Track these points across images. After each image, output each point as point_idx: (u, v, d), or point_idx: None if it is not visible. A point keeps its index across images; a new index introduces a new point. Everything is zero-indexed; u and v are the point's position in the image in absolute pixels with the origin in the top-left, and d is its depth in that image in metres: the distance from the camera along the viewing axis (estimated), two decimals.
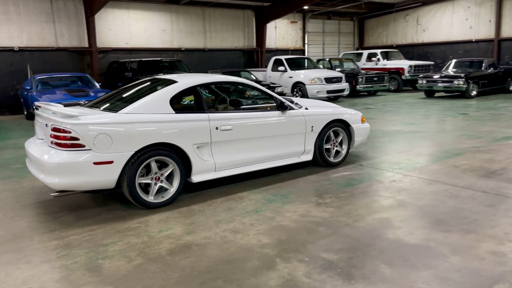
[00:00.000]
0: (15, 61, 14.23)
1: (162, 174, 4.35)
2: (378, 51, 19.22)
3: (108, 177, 4.00)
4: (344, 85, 15.41)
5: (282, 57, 16.23)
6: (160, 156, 4.27)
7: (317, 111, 5.56)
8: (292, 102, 5.88)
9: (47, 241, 3.58)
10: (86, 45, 15.30)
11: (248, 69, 16.39)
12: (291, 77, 15.61)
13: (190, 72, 13.45)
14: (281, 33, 21.18)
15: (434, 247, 3.26)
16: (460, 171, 5.36)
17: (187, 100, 10.12)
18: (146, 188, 4.32)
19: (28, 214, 4.26)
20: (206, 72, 15.32)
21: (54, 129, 3.92)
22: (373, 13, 23.35)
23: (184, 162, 4.47)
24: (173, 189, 4.42)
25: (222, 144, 4.70)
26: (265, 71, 16.82)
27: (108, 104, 4.53)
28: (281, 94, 14.12)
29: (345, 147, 5.94)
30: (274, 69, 16.17)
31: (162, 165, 4.38)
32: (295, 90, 15.37)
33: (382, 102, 14.31)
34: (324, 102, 6.76)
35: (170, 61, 13.82)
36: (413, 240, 3.41)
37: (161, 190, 4.42)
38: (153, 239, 3.57)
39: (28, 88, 11.16)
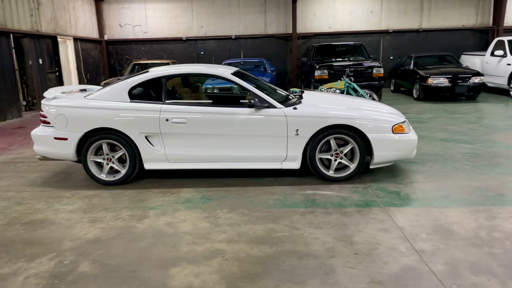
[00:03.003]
0: (232, 47, 16.83)
1: (113, 156, 4.83)
2: None
3: (65, 151, 4.82)
4: None
5: (505, 38, 12.66)
6: (109, 139, 4.75)
7: (307, 112, 4.61)
8: (297, 97, 5.08)
9: None
10: (291, 31, 16.37)
11: (451, 54, 13.65)
12: (509, 65, 12.07)
13: (369, 58, 12.53)
14: None
15: None
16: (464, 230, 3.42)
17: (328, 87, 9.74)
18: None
19: (43, 168, 5.61)
20: (403, 57, 13.78)
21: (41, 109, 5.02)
22: None
23: (137, 148, 4.78)
24: (123, 171, 4.84)
25: (174, 136, 4.71)
26: (484, 55, 13.59)
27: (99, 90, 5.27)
28: (481, 85, 11.28)
29: (357, 161, 4.68)
30: (494, 53, 12.84)
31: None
32: None
33: None
34: (367, 101, 5.34)
35: (349, 45, 13.13)
36: (175, 284, 2.74)
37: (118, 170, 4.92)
38: (48, 209, 4.19)
39: None
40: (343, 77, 10.22)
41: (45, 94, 4.94)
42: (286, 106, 4.70)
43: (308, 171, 4.99)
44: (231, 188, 4.64)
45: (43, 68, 12.61)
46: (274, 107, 4.66)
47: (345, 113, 4.60)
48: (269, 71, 12.74)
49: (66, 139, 4.77)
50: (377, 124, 4.59)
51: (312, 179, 4.83)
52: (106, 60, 16.92)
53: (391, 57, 16.43)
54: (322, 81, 11.42)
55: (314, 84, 11.58)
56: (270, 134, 4.65)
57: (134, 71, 13.43)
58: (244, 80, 5.22)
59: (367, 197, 4.20)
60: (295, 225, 3.58)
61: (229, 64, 13.18)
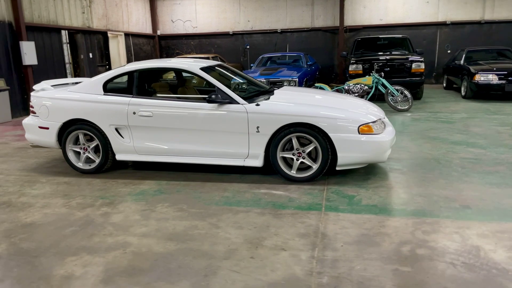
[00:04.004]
0: (278, 41, 16.68)
1: (89, 146, 5.08)
2: None
3: (48, 139, 5.16)
4: None
5: None
6: (84, 130, 5.00)
7: (268, 109, 4.45)
8: (266, 92, 4.95)
9: None
10: (338, 24, 15.82)
11: (510, 48, 12.25)
12: None
13: (415, 51, 11.74)
14: None
15: None
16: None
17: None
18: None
19: (45, 155, 6.04)
20: (456, 51, 12.75)
21: None
22: None
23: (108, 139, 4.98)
24: (97, 160, 5.07)
25: (142, 129, 4.82)
26: None
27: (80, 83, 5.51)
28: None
29: (319, 161, 4.44)
30: None
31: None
32: None
33: None
34: (344, 98, 5.02)
35: (393, 38, 12.34)
36: (59, 272, 2.83)
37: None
38: (17, 192, 4.53)
39: (251, 65, 13.20)
40: (372, 73, 9.69)
41: (35, 86, 5.32)
42: (250, 102, 4.59)
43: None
44: (192, 182, 4.65)
45: (94, 61, 13.54)
46: (237, 102, 4.57)
47: (306, 111, 4.37)
48: (305, 65, 12.44)
49: (47, 128, 5.11)
50: (340, 123, 4.30)
51: (276, 178, 4.67)
52: (159, 54, 17.70)
53: (449, 51, 15.23)
54: (357, 76, 10.94)
55: (348, 79, 11.12)
56: (232, 130, 4.57)
57: None
58: (220, 75, 5.18)
59: (316, 200, 3.97)
60: (218, 224, 3.51)
61: (269, 58, 13.12)
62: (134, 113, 4.79)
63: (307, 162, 4.49)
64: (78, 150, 5.12)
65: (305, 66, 12.44)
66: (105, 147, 4.97)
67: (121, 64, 15.05)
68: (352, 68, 11.07)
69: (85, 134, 5.06)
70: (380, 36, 12.40)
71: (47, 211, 3.93)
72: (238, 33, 16.90)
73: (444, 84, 13.82)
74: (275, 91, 5.15)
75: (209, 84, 4.78)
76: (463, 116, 8.37)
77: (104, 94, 4.95)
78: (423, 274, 2.63)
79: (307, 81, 11.73)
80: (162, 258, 2.97)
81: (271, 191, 4.29)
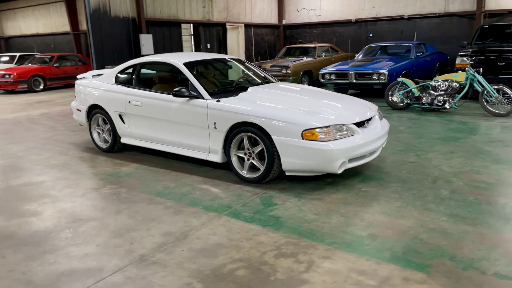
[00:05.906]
0: (405, 28, 15.20)
1: (104, 128, 5.87)
2: None
3: (82, 120, 6.14)
4: None
5: None
6: (101, 114, 5.80)
7: (225, 106, 4.41)
8: (242, 88, 4.89)
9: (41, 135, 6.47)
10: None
11: None
12: None
13: None
14: None
15: None
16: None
17: None
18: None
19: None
20: None
21: None
22: None
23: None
24: (110, 140, 5.83)
25: (135, 117, 5.34)
26: None
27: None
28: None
29: (266, 163, 4.23)
30: None
31: None
32: None
33: None
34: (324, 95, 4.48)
35: None
36: None
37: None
38: (39, 160, 5.58)
39: (355, 55, 12.48)
40: (467, 68, 8.17)
41: (79, 75, 6.36)
42: (215, 98, 4.62)
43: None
44: (163, 170, 4.96)
45: (211, 51, 14.80)
46: (203, 98, 4.66)
47: (253, 110, 4.19)
48: (413, 57, 11.16)
49: (80, 110, 6.08)
50: (283, 126, 4.00)
51: (231, 175, 4.60)
52: (283, 43, 18.12)
53: None
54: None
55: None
56: (196, 124, 4.69)
57: (289, 55, 14.05)
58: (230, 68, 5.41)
59: (233, 203, 3.83)
60: (122, 211, 3.75)
61: (380, 48, 12.19)
62: (129, 102, 5.32)
63: (255, 163, 4.31)
64: (99, 131, 5.95)
65: (412, 57, 11.16)
66: (114, 130, 5.66)
67: (239, 54, 16.02)
68: (458, 61, 9.49)
69: (103, 118, 5.85)
70: (509, 23, 10.19)
71: (33, 178, 4.79)
72: (361, 21, 16.03)
73: None
74: (249, 88, 4.99)
75: (186, 79, 4.96)
76: None
77: (114, 84, 5.62)
78: None
79: (410, 73, 10.57)
80: (43, 232, 3.40)
81: (211, 187, 4.29)
